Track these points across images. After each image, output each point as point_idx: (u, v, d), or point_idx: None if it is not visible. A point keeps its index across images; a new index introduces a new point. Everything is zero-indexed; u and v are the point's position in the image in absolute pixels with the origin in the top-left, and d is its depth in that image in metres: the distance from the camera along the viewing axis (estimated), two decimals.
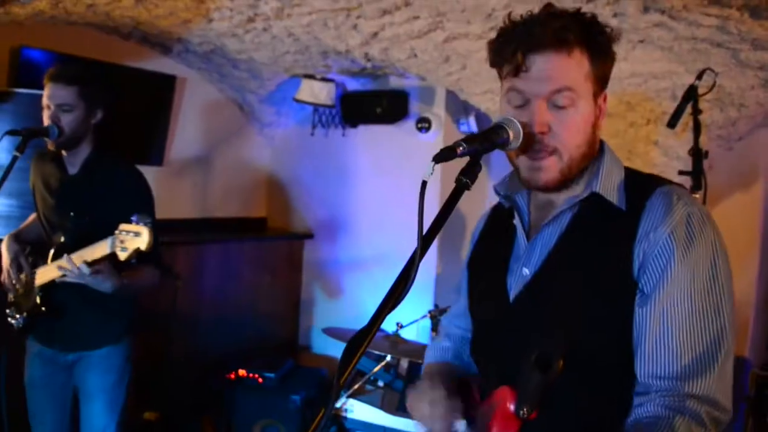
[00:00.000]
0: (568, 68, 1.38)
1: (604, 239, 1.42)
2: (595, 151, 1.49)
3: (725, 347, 1.32)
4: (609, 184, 1.45)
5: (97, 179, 2.87)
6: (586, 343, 1.37)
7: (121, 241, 2.53)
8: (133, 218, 2.53)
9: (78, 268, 2.57)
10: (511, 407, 1.31)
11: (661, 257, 1.34)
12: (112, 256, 2.58)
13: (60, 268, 2.61)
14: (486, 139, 1.30)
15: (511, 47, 1.40)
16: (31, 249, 2.98)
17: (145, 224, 2.52)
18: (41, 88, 3.93)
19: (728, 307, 1.34)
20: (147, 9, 3.57)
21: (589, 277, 1.40)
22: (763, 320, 4.07)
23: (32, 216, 3.15)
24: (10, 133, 2.73)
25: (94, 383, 2.90)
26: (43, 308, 2.83)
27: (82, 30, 4.19)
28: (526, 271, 1.50)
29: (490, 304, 1.59)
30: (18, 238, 3.01)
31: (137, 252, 2.52)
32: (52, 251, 2.80)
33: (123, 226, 2.54)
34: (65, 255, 2.62)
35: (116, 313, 2.94)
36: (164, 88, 4.88)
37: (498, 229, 1.68)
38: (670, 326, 1.32)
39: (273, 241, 5.72)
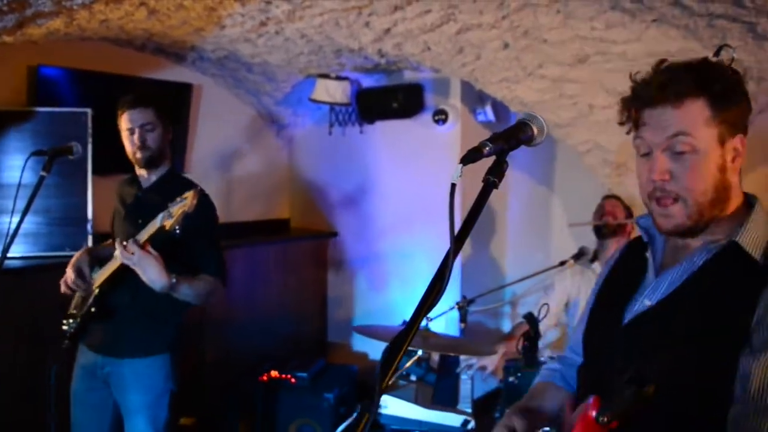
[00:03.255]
0: (680, 117, 1.42)
1: (732, 289, 1.41)
2: (729, 198, 1.49)
3: None
4: (753, 237, 1.44)
5: (168, 192, 2.93)
6: (684, 379, 1.38)
7: (170, 213, 2.61)
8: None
9: (125, 247, 2.65)
10: (593, 413, 1.32)
11: None
12: (195, 241, 2.76)
13: (117, 250, 2.70)
14: (511, 137, 1.31)
15: (628, 105, 1.51)
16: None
17: (195, 189, 2.62)
18: (59, 105, 4.00)
19: None
20: (160, 20, 3.59)
21: (707, 321, 1.40)
22: None
23: (109, 241, 3.26)
24: (36, 153, 2.78)
25: (134, 401, 2.93)
26: (93, 309, 2.90)
27: (97, 45, 4.23)
28: (647, 302, 1.52)
29: (604, 329, 1.63)
30: (90, 252, 3.09)
31: (184, 215, 2.58)
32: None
33: (177, 200, 2.63)
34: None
35: (161, 324, 2.99)
36: (181, 96, 4.91)
37: (631, 262, 1.70)
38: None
39: (298, 242, 5.75)
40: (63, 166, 3.03)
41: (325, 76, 5.04)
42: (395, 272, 5.34)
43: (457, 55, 4.15)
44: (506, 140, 1.29)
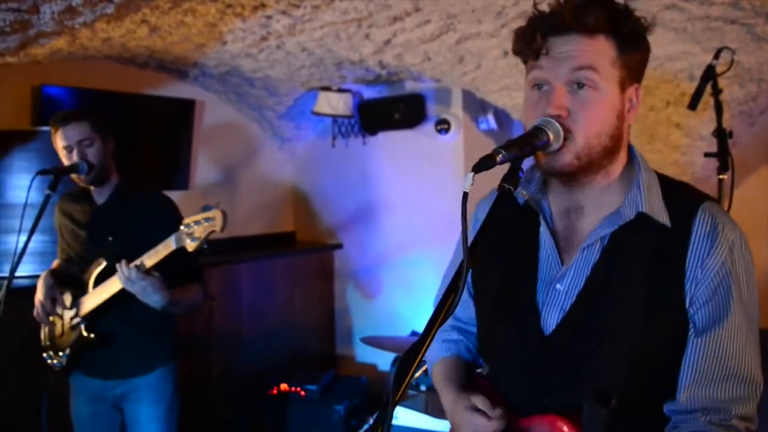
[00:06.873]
0: (590, 49, 1.34)
1: (650, 262, 1.38)
2: (619, 150, 1.43)
3: (761, 369, 1.39)
4: (653, 201, 1.40)
5: (128, 205, 2.94)
6: (636, 373, 1.37)
7: (189, 234, 2.57)
8: (203, 208, 2.58)
9: (129, 271, 2.60)
10: None
11: (714, 293, 1.35)
12: (179, 252, 2.62)
13: (118, 274, 2.65)
14: (526, 144, 1.27)
15: (532, 31, 1.38)
16: (65, 285, 2.97)
17: (217, 207, 2.57)
18: None
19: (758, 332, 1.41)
20: (161, 37, 3.61)
21: (637, 306, 1.37)
22: None
23: (55, 262, 3.15)
24: (42, 173, 2.78)
25: (146, 414, 2.92)
26: (92, 336, 2.82)
27: (100, 63, 4.26)
28: (559, 287, 1.45)
29: (518, 323, 1.52)
30: (54, 274, 3.01)
31: (210, 235, 2.56)
32: (92, 278, 2.83)
33: (188, 220, 2.59)
34: (123, 261, 2.64)
35: (160, 337, 2.97)
36: (184, 112, 4.92)
37: (513, 229, 1.57)
38: (725, 357, 1.35)
39: (303, 254, 5.75)
40: (69, 184, 3.03)
41: (327, 88, 5.06)
42: (401, 282, 5.34)
43: (457, 65, 4.16)
44: (520, 147, 1.26)
